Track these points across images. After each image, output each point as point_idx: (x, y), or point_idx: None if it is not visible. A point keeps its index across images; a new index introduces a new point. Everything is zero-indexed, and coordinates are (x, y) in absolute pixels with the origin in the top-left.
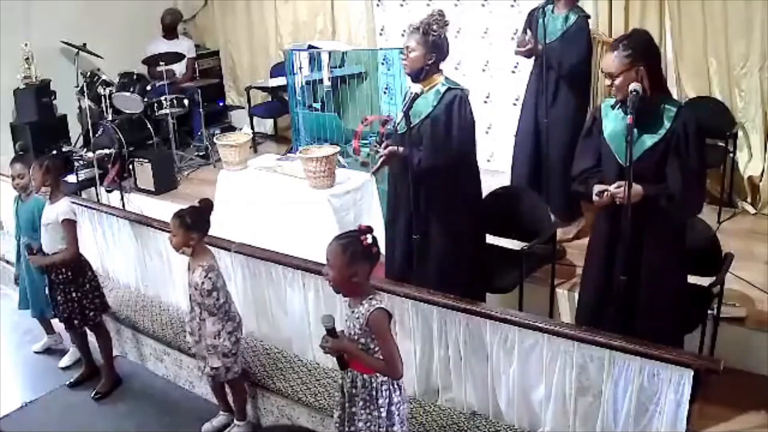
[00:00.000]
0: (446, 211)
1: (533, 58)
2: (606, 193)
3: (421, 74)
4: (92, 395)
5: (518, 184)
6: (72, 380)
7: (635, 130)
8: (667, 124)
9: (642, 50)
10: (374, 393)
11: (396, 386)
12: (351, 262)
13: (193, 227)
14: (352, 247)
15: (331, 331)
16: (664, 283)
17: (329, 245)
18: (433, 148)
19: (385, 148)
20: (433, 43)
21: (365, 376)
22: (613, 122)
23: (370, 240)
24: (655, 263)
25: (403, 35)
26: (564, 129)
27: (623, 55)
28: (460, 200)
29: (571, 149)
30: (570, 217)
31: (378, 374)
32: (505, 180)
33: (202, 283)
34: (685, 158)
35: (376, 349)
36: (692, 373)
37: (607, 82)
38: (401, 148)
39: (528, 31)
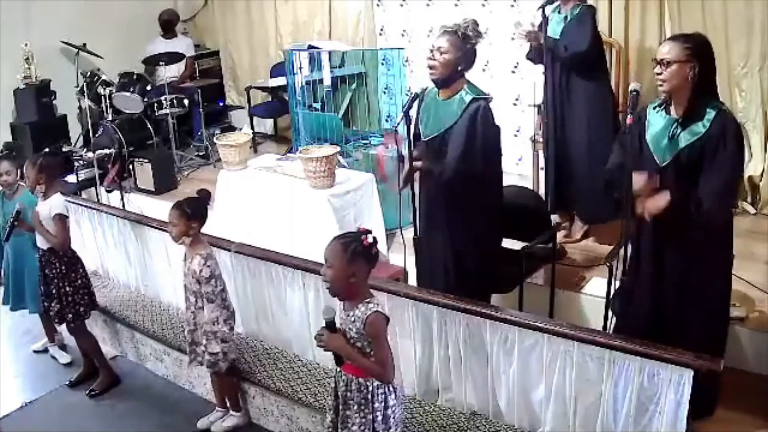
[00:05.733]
0: (469, 220)
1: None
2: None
3: (448, 82)
4: (87, 392)
5: (555, 198)
6: (72, 380)
7: (678, 129)
8: (705, 126)
9: (701, 49)
10: (370, 397)
11: (391, 389)
12: (351, 262)
13: (193, 216)
14: (353, 246)
15: (331, 325)
16: (706, 288)
17: (329, 245)
18: (456, 159)
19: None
20: (469, 51)
21: (360, 379)
22: (654, 123)
23: (371, 240)
24: (696, 267)
25: (403, 35)
26: (585, 129)
27: (683, 46)
28: (484, 209)
29: (595, 149)
30: (595, 221)
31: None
32: (505, 180)
33: (200, 270)
34: (718, 163)
35: (372, 352)
36: (692, 373)
37: (657, 70)
38: (417, 163)
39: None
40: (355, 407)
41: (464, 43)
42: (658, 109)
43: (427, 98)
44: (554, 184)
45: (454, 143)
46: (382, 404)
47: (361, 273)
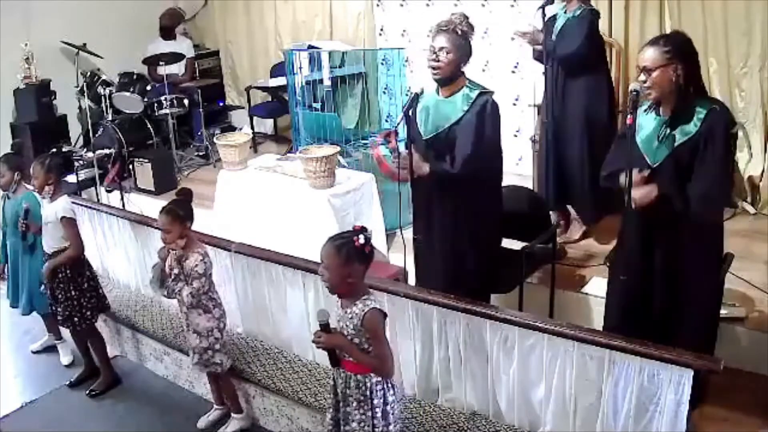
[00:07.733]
0: (473, 216)
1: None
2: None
3: (452, 80)
4: (87, 392)
5: (547, 194)
6: (72, 380)
7: (668, 129)
8: (696, 126)
9: (681, 49)
10: (368, 393)
11: (390, 385)
12: (346, 263)
13: (186, 217)
14: (346, 248)
15: (325, 327)
16: (698, 285)
17: (323, 247)
18: (467, 153)
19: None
20: (467, 46)
21: (359, 376)
22: (645, 126)
23: (362, 240)
24: (689, 265)
25: (402, 35)
26: (578, 128)
27: (662, 50)
28: (487, 207)
29: (587, 147)
30: (595, 219)
31: (372, 374)
32: (504, 180)
33: (196, 266)
34: (709, 160)
35: (370, 348)
36: (692, 373)
37: (642, 77)
38: (426, 167)
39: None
40: (355, 404)
41: (462, 41)
42: (648, 111)
43: (424, 99)
44: (554, 182)
45: (464, 137)
46: (381, 400)
47: (357, 273)
